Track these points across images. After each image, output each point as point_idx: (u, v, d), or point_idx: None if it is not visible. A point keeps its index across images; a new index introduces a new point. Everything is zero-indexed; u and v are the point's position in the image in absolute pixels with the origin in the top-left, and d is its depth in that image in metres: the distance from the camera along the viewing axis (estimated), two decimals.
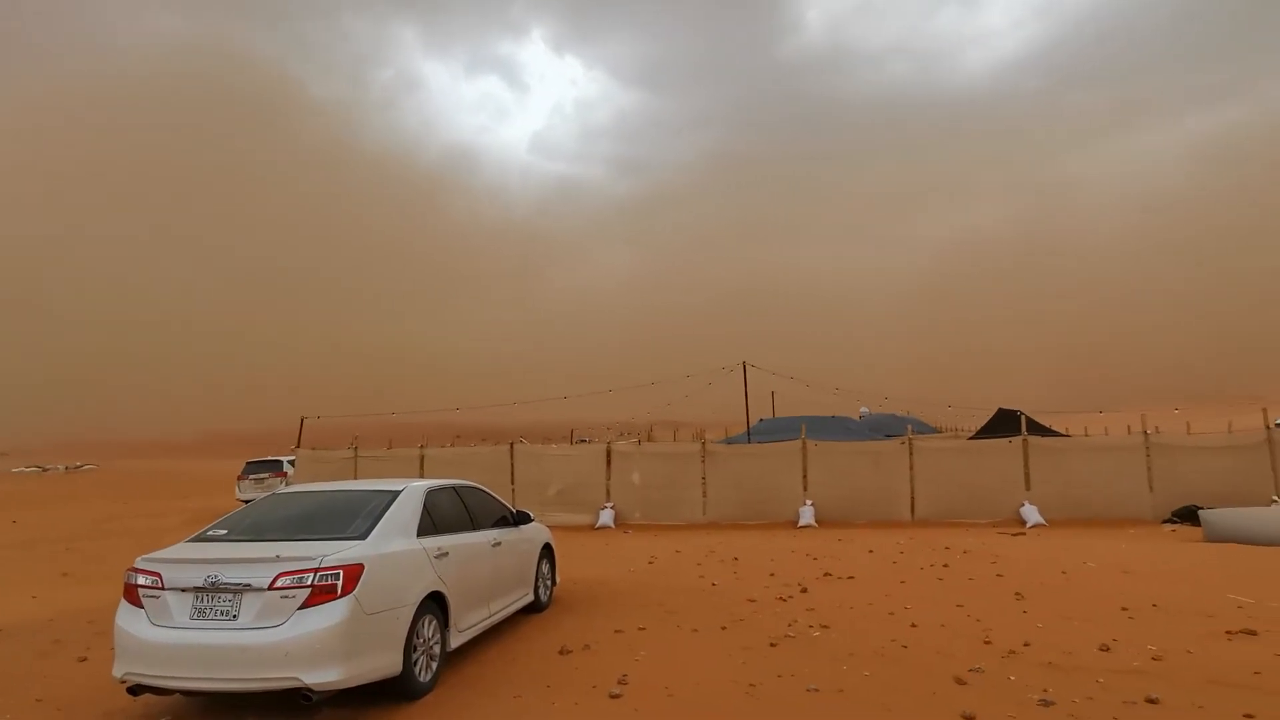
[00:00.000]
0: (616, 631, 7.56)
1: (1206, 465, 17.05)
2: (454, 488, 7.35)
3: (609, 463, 19.35)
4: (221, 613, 5.00)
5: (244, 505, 6.84)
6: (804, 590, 9.57)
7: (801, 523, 17.31)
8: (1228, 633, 7.06)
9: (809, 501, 17.79)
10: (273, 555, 5.11)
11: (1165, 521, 16.32)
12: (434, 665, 5.89)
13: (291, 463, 23.62)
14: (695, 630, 7.60)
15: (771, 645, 6.96)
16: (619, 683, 5.89)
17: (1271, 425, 17.59)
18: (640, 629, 7.65)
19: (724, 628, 7.67)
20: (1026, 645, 6.78)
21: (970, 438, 23.96)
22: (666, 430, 43.73)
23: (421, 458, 20.56)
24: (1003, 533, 15.52)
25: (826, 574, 10.71)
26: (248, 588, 4.98)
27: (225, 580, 5.03)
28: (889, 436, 26.55)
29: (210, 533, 6.00)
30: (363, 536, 5.57)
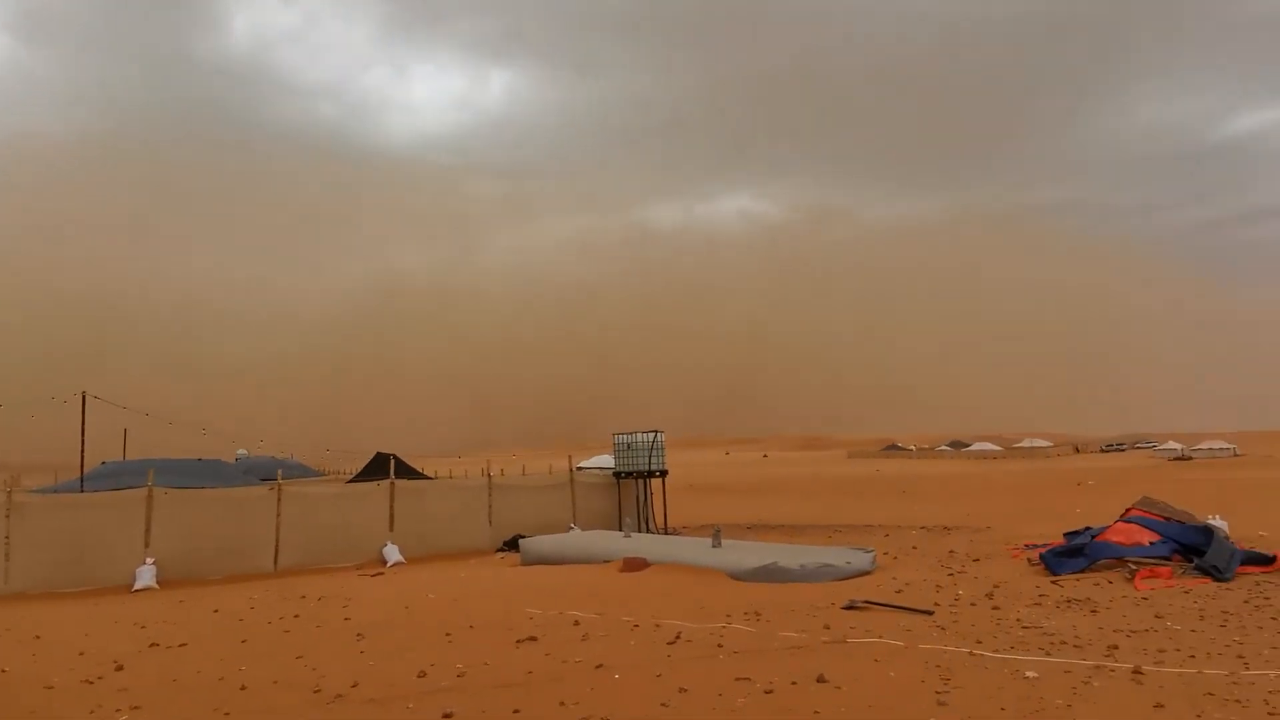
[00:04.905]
0: None
1: (531, 501, 20.96)
2: None
3: None
4: None
5: None
6: (120, 668, 8.16)
7: (139, 585, 14.82)
8: (518, 641, 8.67)
9: (149, 560, 15.38)
10: None
11: (498, 550, 19.32)
12: None
13: None
14: None
15: None
16: None
17: (574, 468, 22.69)
18: None
19: None
20: (355, 686, 7.10)
21: (349, 481, 24.37)
22: None
23: None
24: (364, 574, 16.08)
25: (154, 644, 9.36)
26: None
27: None
28: (265, 480, 25.06)
29: None
30: None
